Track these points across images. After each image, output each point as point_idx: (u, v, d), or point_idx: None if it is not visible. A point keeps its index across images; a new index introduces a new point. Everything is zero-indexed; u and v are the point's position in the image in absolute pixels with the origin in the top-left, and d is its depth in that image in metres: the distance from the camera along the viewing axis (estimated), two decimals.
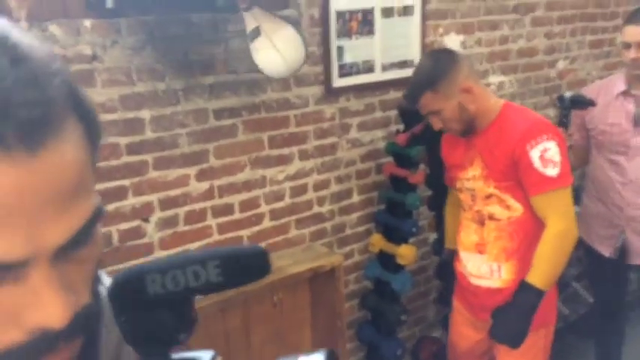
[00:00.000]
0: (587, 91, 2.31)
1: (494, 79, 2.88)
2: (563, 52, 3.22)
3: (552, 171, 1.62)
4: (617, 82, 2.23)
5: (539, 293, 1.65)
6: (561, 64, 3.25)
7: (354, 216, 2.52)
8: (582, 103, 2.15)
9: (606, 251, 2.32)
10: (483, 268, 1.83)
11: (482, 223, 1.82)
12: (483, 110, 1.75)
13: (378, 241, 2.38)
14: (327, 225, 2.44)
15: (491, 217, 1.79)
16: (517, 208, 1.73)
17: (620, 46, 2.19)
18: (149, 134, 1.88)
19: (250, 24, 1.73)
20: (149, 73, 1.83)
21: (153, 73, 1.84)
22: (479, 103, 1.73)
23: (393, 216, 2.31)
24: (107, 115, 1.78)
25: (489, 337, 1.80)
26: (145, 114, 1.85)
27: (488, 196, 1.77)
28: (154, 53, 1.83)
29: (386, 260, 2.36)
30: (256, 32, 1.70)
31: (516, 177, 1.70)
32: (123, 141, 1.83)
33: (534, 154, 1.63)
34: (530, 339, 1.77)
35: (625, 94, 2.18)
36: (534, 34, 3.01)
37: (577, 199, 2.81)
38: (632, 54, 2.09)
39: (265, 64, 1.73)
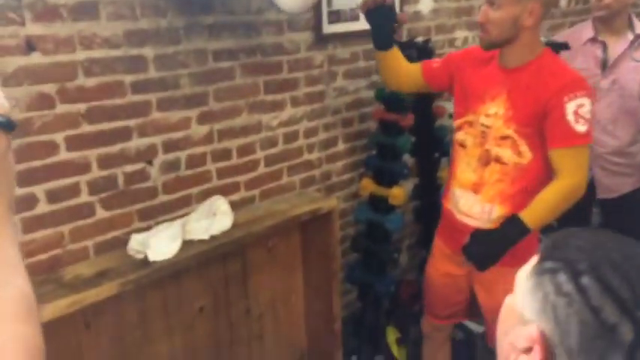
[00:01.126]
0: (558, 39, 2.47)
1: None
2: None
3: (582, 127, 1.63)
4: (585, 29, 2.40)
5: (525, 231, 1.67)
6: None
7: (340, 164, 2.58)
8: (557, 46, 2.31)
9: None
10: (475, 208, 1.84)
11: (486, 163, 1.79)
12: (528, 41, 1.68)
13: (368, 185, 2.45)
14: (316, 172, 2.48)
15: (497, 160, 1.77)
16: (527, 155, 1.72)
17: None
18: (152, 73, 1.83)
19: None
20: (152, 8, 1.79)
21: (155, 9, 1.80)
22: (531, 30, 1.66)
23: (383, 160, 2.39)
24: (112, 51, 1.73)
25: (462, 255, 1.82)
26: (149, 52, 1.81)
27: (504, 138, 1.74)
28: None
29: (377, 203, 2.44)
30: None
31: (539, 125, 1.68)
32: (128, 79, 1.78)
33: (570, 108, 1.63)
34: (508, 278, 1.88)
35: (593, 40, 2.36)
36: None
37: None
38: None
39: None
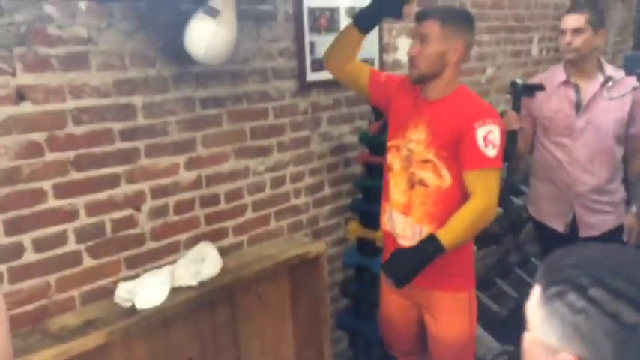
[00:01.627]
0: (532, 81, 2.57)
1: None
2: (490, 59, 3.55)
3: (491, 152, 1.77)
4: (557, 72, 2.51)
5: (440, 249, 1.75)
6: (489, 71, 3.58)
7: (326, 208, 2.60)
8: (533, 88, 2.41)
9: (559, 227, 2.56)
10: (407, 230, 1.93)
11: (411, 186, 1.89)
12: (449, 77, 1.83)
13: (355, 228, 2.47)
14: (303, 217, 2.50)
15: (421, 183, 1.87)
16: (447, 179, 1.84)
17: (558, 35, 2.47)
18: (141, 120, 1.86)
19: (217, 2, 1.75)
20: (141, 58, 1.83)
21: (144, 58, 1.84)
22: (454, 69, 1.83)
23: (369, 203, 2.41)
24: (102, 100, 1.76)
25: (381, 269, 1.91)
26: (137, 100, 1.84)
27: (425, 162, 1.85)
28: (146, 39, 1.83)
29: (365, 246, 2.44)
30: (215, 12, 1.72)
31: (455, 150, 1.80)
32: (116, 127, 1.80)
33: (480, 133, 1.77)
34: (456, 303, 1.93)
35: (565, 82, 2.46)
36: None
37: (527, 181, 3.09)
38: (566, 39, 2.38)
39: (193, 38, 1.75)
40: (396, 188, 1.94)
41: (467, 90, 1.90)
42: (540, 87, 2.39)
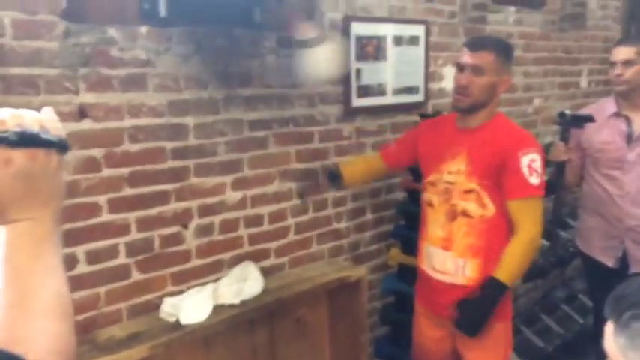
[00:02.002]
0: (582, 112, 2.54)
1: None
2: (537, 90, 3.52)
3: (535, 180, 1.78)
4: (608, 104, 2.47)
5: (504, 288, 1.79)
6: (536, 102, 3.55)
7: (367, 234, 2.60)
8: (582, 119, 2.38)
9: (609, 261, 2.48)
10: (448, 264, 1.91)
11: (453, 218, 1.88)
12: (492, 107, 1.88)
13: (396, 255, 2.46)
14: (344, 242, 2.50)
15: (464, 213, 1.86)
16: (491, 208, 1.83)
17: (608, 67, 2.45)
18: (192, 141, 1.93)
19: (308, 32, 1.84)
20: (195, 81, 1.91)
21: (198, 81, 1.92)
22: (498, 97, 1.89)
23: (412, 229, 2.40)
24: (156, 119, 1.83)
25: (454, 327, 1.89)
26: (190, 120, 1.91)
27: (468, 192, 1.85)
28: (200, 63, 1.91)
29: (405, 273, 2.43)
30: (318, 41, 1.81)
31: (497, 178, 1.81)
32: (169, 145, 1.87)
33: (524, 161, 1.78)
34: (492, 333, 1.89)
35: (616, 115, 2.42)
36: (514, 72, 3.29)
37: (575, 215, 3.02)
38: (617, 71, 2.35)
39: (313, 69, 1.84)
40: (435, 223, 1.94)
41: (504, 117, 1.93)
42: (589, 118, 2.35)
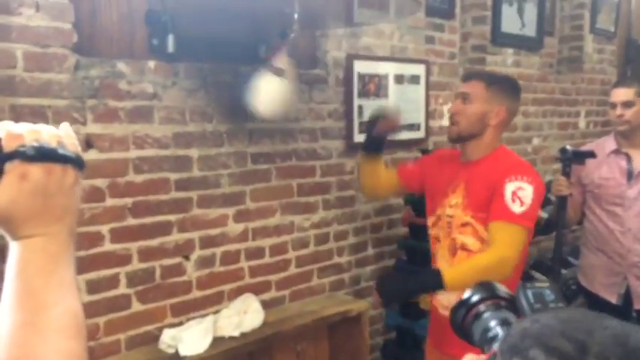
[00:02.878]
0: (583, 149, 2.57)
1: None
2: (536, 130, 3.57)
3: (518, 208, 1.68)
4: (608, 142, 2.50)
5: (440, 285, 1.67)
6: (536, 141, 3.59)
7: (369, 268, 2.60)
8: (583, 154, 2.41)
9: (612, 298, 2.46)
10: (453, 298, 1.85)
11: (454, 252, 1.84)
12: (489, 140, 1.82)
13: None
14: (346, 276, 2.50)
15: (463, 247, 1.81)
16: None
17: (609, 107, 2.49)
18: (196, 172, 1.96)
19: (281, 63, 1.88)
20: (200, 114, 1.95)
21: (203, 114, 1.96)
22: (494, 131, 1.82)
23: (413, 264, 2.41)
24: (161, 151, 1.86)
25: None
26: (194, 152, 1.95)
27: (464, 225, 1.81)
28: (206, 97, 1.96)
29: (407, 309, 2.41)
30: (281, 72, 1.84)
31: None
32: (173, 177, 1.90)
33: (509, 188, 1.71)
34: None
35: (616, 152, 2.45)
36: None
37: (576, 252, 3.01)
38: (617, 112, 2.39)
39: (262, 96, 1.86)
40: (442, 259, 1.90)
41: (506, 149, 1.89)
42: (591, 154, 2.38)
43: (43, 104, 1.62)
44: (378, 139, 2.01)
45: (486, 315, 0.74)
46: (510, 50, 3.27)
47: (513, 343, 0.58)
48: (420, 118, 2.71)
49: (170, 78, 1.87)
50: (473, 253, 1.80)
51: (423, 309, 2.35)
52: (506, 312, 0.74)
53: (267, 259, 2.20)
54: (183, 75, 1.90)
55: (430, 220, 1.97)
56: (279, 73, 1.85)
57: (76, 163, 0.67)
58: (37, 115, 1.60)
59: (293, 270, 2.29)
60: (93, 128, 1.72)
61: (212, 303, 2.04)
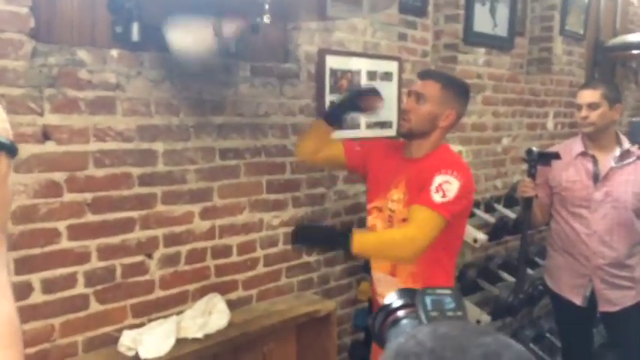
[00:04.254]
0: (548, 150, 2.58)
1: (454, 147, 3.12)
2: (506, 130, 3.59)
3: (438, 197, 1.72)
4: (575, 144, 2.52)
5: (346, 247, 1.73)
6: (505, 141, 3.61)
7: (338, 268, 2.56)
8: (549, 156, 2.42)
9: (577, 300, 2.48)
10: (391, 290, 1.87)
11: None
12: (435, 139, 1.87)
13: (367, 289, 2.41)
14: (314, 275, 2.45)
15: None
16: None
17: (575, 109, 2.50)
18: (160, 167, 1.88)
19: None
20: (166, 106, 1.87)
21: (169, 107, 1.88)
22: (441, 132, 1.88)
23: None
24: (124, 144, 1.78)
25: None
26: (159, 146, 1.87)
27: (404, 220, 1.83)
28: (172, 88, 1.88)
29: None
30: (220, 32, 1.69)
31: None
32: (136, 171, 1.82)
33: (437, 180, 1.74)
34: None
35: (583, 154, 2.46)
36: (484, 112, 3.35)
37: (543, 253, 3.04)
38: (583, 113, 2.40)
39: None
40: None
41: (447, 149, 1.92)
42: (556, 155, 2.40)
43: None
44: (345, 112, 2.02)
45: (404, 322, 0.71)
46: (482, 50, 3.26)
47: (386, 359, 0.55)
48: (392, 116, 2.68)
49: (134, 68, 1.79)
50: None
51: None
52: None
53: (234, 258, 2.13)
54: (148, 65, 1.82)
55: (368, 207, 1.99)
56: (218, 32, 1.72)
57: (9, 150, 0.61)
58: None
59: (261, 269, 2.23)
60: (51, 119, 1.63)
61: (176, 303, 1.97)
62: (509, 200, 3.42)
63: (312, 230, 1.88)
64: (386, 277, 1.90)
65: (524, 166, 3.63)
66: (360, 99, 1.99)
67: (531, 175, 2.41)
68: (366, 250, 1.78)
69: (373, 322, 0.78)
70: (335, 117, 2.02)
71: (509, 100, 3.55)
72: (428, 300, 0.66)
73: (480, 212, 3.22)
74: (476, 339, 0.52)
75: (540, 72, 3.91)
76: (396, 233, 1.79)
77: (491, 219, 3.11)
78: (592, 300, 2.47)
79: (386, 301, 0.76)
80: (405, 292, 0.76)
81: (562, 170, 2.48)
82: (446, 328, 0.55)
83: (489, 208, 3.33)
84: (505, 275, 3.22)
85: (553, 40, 3.88)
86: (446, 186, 1.74)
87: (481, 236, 2.84)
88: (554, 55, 3.90)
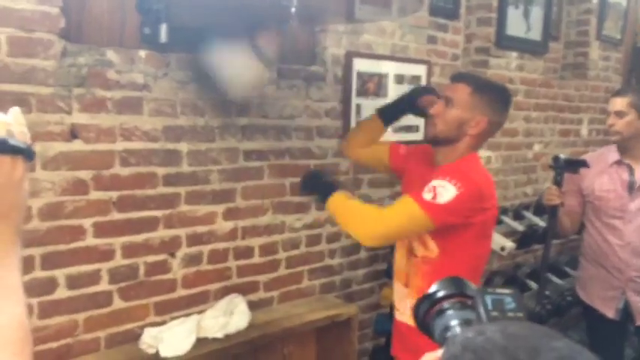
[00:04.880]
0: (576, 158, 2.51)
1: (482, 153, 3.08)
2: (538, 136, 3.51)
3: (428, 195, 1.59)
4: (610, 152, 2.44)
5: (323, 200, 1.74)
6: (537, 147, 3.53)
7: (361, 272, 2.54)
8: (576, 163, 2.36)
9: (609, 312, 2.40)
10: (404, 302, 1.80)
11: (409, 255, 1.79)
12: (464, 148, 1.71)
13: (389, 295, 2.38)
14: (337, 278, 2.44)
15: (411, 252, 1.78)
16: (433, 249, 1.70)
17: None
18: (185, 167, 1.89)
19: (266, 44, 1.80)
20: (191, 107, 1.89)
21: (195, 108, 1.90)
22: (471, 140, 1.71)
23: None
24: (150, 144, 1.80)
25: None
26: (184, 147, 1.88)
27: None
28: (198, 90, 1.89)
29: None
30: (262, 55, 1.77)
31: None
32: (161, 171, 1.83)
33: (434, 182, 1.62)
34: None
35: (618, 162, 2.39)
36: (515, 117, 3.29)
37: (573, 263, 2.96)
38: (610, 121, 2.33)
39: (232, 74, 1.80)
40: (401, 257, 1.84)
41: (472, 158, 1.75)
42: (583, 163, 2.33)
43: (27, 91, 1.55)
44: (400, 112, 2.01)
45: (449, 313, 0.70)
46: (514, 54, 3.20)
47: (454, 353, 0.55)
48: (419, 120, 2.64)
49: (161, 69, 1.81)
50: (417, 258, 1.75)
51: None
52: (470, 312, 0.70)
53: (256, 259, 2.14)
54: (175, 66, 1.84)
55: None
56: (259, 53, 1.76)
57: (26, 154, 0.62)
58: (20, 102, 1.54)
59: (283, 271, 2.23)
60: (79, 118, 1.66)
61: (197, 302, 1.98)
62: (539, 208, 3.34)
63: (313, 176, 1.88)
64: (400, 287, 1.83)
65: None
66: (419, 100, 1.93)
67: (557, 182, 2.35)
68: (335, 211, 1.73)
69: (417, 309, 0.76)
70: (390, 116, 2.00)
71: (541, 105, 3.48)
72: (488, 299, 0.65)
73: (508, 219, 3.17)
74: (548, 342, 0.52)
75: (575, 77, 3.82)
76: (370, 209, 1.70)
77: (519, 226, 3.05)
78: (625, 313, 2.40)
79: (431, 289, 0.75)
80: (449, 282, 0.75)
81: (596, 178, 2.41)
82: (516, 327, 0.55)
83: (518, 216, 3.27)
84: (532, 284, 3.15)
85: (589, 44, 3.79)
86: (440, 190, 1.60)
87: (509, 244, 2.79)
88: (590, 60, 3.81)
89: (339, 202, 1.72)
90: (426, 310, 0.73)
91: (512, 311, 0.63)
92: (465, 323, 0.69)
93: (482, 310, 0.63)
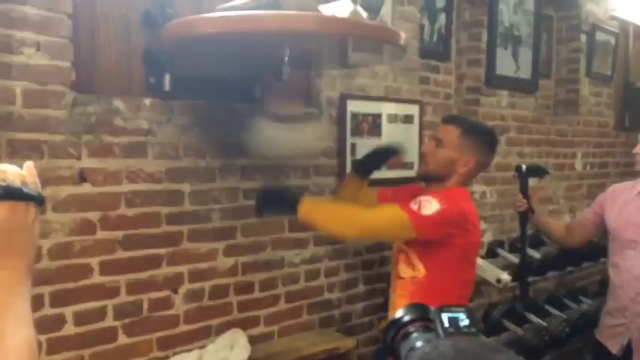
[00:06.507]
0: (614, 188, 2.55)
1: (478, 188, 3.18)
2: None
3: (414, 207, 1.72)
4: (638, 183, 2.44)
5: (293, 210, 1.76)
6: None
7: (359, 305, 2.60)
8: (538, 171, 2.49)
9: (614, 348, 2.39)
10: None
11: (395, 279, 1.92)
12: (452, 184, 1.87)
13: None
14: (336, 312, 2.51)
15: (398, 276, 1.88)
16: (420, 269, 1.80)
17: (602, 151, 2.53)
18: (187, 206, 1.99)
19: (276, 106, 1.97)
20: (194, 150, 2.00)
21: (197, 150, 2.01)
22: (459, 179, 1.88)
23: None
24: (154, 185, 1.91)
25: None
26: (186, 187, 1.99)
27: (399, 252, 1.88)
28: (200, 133, 2.01)
29: None
30: (278, 118, 1.92)
31: (429, 240, 1.77)
32: (164, 211, 1.93)
33: (419, 197, 1.77)
34: None
35: None
36: (508, 153, 3.39)
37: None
38: (636, 149, 2.38)
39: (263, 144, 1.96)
40: (394, 286, 1.97)
41: (459, 190, 1.89)
42: (545, 170, 2.51)
43: (40, 139, 1.67)
44: (376, 168, 2.13)
45: (414, 335, 0.77)
46: (505, 92, 3.32)
47: None
48: (414, 157, 2.75)
49: (165, 115, 1.93)
50: (405, 279, 1.85)
51: None
52: (433, 334, 0.78)
53: (256, 294, 2.21)
54: (178, 112, 1.96)
55: (394, 250, 2.02)
56: (275, 118, 1.91)
57: (38, 200, 0.73)
58: (33, 149, 1.65)
59: (282, 305, 2.30)
60: (87, 163, 1.77)
61: (199, 337, 2.05)
62: (535, 240, 3.40)
63: (269, 195, 1.91)
64: (394, 311, 1.92)
65: (551, 207, 3.65)
66: (385, 159, 2.13)
67: (522, 190, 2.51)
68: (310, 215, 1.77)
69: (385, 334, 0.83)
70: (364, 172, 2.13)
71: (534, 140, 3.58)
72: (445, 317, 0.73)
73: (504, 252, 3.23)
74: (493, 355, 0.60)
75: (568, 113, 3.93)
76: (350, 207, 1.80)
77: (515, 259, 3.11)
78: (628, 350, 2.36)
79: (397, 315, 0.82)
80: (414, 307, 0.82)
81: (620, 207, 2.43)
82: (465, 343, 0.63)
83: (514, 249, 3.33)
84: (532, 317, 3.19)
85: (579, 81, 3.91)
86: (425, 203, 1.74)
87: (505, 277, 2.84)
88: (581, 96, 3.93)
89: (312, 206, 1.80)
90: (394, 334, 0.81)
91: (466, 327, 0.71)
92: (428, 343, 0.77)
93: (439, 327, 0.71)
